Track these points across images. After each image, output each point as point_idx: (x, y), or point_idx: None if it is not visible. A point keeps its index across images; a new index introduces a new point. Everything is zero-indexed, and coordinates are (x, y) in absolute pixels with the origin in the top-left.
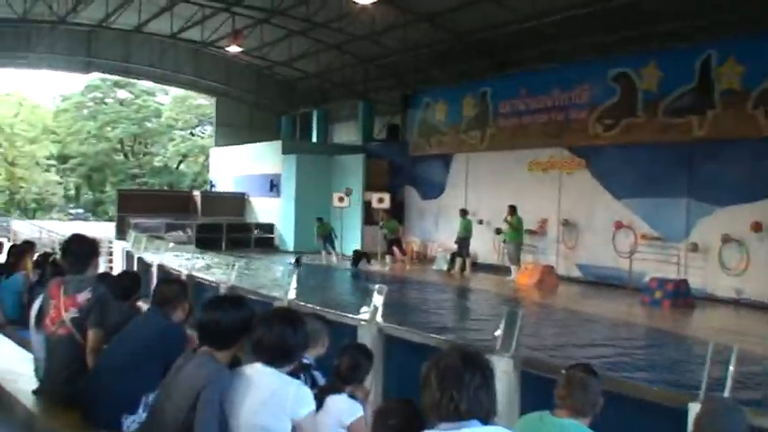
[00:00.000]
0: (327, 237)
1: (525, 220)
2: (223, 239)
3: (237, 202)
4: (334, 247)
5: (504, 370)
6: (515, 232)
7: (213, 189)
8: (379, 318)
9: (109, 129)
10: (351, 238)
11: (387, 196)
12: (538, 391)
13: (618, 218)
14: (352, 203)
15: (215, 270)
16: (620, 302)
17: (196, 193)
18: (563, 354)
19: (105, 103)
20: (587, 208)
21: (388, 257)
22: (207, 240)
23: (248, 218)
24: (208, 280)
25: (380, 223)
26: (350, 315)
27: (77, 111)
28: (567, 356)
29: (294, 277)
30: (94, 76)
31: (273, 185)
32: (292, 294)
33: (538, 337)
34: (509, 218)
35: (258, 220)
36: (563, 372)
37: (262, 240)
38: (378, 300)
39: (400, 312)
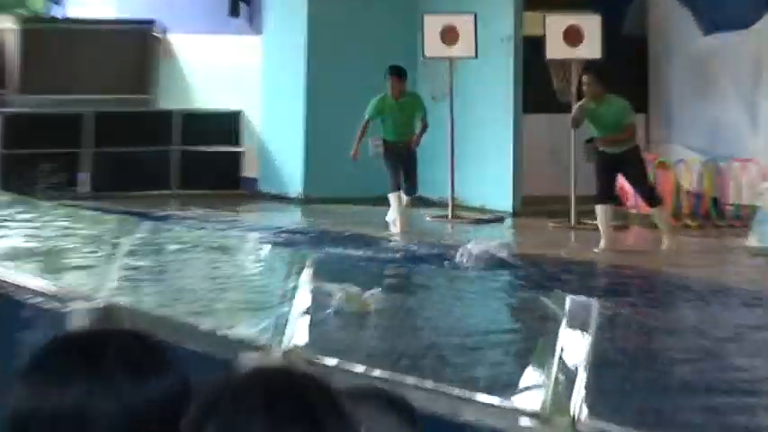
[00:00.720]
0: (404, 149)
1: None
2: (81, 164)
3: (128, 50)
4: (412, 182)
5: None
6: None
7: (58, 12)
8: (577, 405)
9: None
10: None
11: (592, 23)
12: None
13: None
14: (496, 47)
15: (53, 261)
16: None
17: (8, 25)
18: None
19: None
20: None
21: (602, 211)
22: (22, 162)
23: (162, 97)
24: (34, 291)
25: (579, 107)
26: (492, 399)
27: None
28: None
29: (306, 276)
30: None
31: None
32: (299, 334)
33: None
34: None
35: (194, 103)
36: None
37: (202, 165)
38: (575, 345)
39: (657, 389)
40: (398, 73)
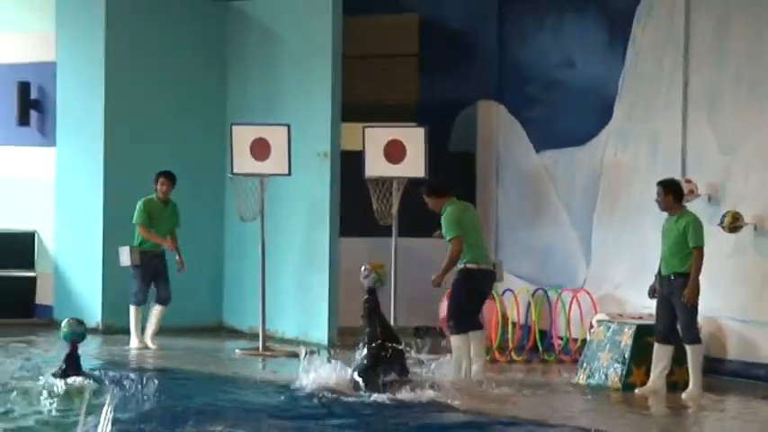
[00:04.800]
0: (158, 262)
1: None
2: None
3: None
4: (164, 296)
5: None
6: None
7: None
8: None
9: None
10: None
11: (416, 137)
12: None
13: None
14: (312, 162)
15: None
16: None
17: None
18: None
19: None
20: None
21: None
22: None
23: None
24: None
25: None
26: None
27: None
28: None
29: None
30: None
31: (30, 105)
32: None
33: None
34: None
35: None
36: None
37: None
38: None
39: None
40: (166, 177)
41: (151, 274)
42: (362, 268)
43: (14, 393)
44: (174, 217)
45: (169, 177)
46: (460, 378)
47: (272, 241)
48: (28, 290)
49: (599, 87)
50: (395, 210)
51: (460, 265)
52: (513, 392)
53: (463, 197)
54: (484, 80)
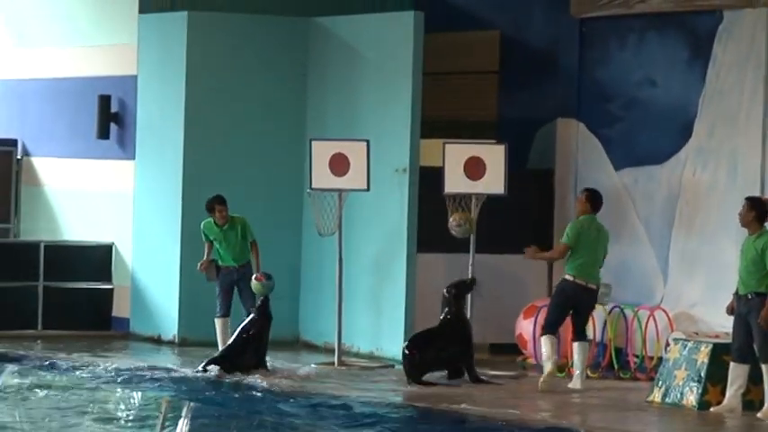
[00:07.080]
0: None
1: None
2: None
3: None
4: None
5: None
6: None
7: None
8: None
9: None
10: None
11: (495, 154)
12: None
13: None
14: (390, 178)
15: None
16: None
17: None
18: None
19: None
20: None
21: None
22: None
23: (25, 227)
24: None
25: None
26: None
27: None
28: None
29: None
30: None
31: (110, 119)
32: None
33: None
34: None
35: (61, 234)
36: None
37: (69, 303)
38: None
39: None
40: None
41: (227, 287)
42: (451, 219)
43: (91, 405)
44: (240, 233)
45: (222, 203)
46: (546, 377)
47: (349, 256)
48: (105, 302)
49: (679, 106)
50: (471, 225)
51: (563, 275)
52: (586, 407)
53: (542, 214)
54: (564, 98)
